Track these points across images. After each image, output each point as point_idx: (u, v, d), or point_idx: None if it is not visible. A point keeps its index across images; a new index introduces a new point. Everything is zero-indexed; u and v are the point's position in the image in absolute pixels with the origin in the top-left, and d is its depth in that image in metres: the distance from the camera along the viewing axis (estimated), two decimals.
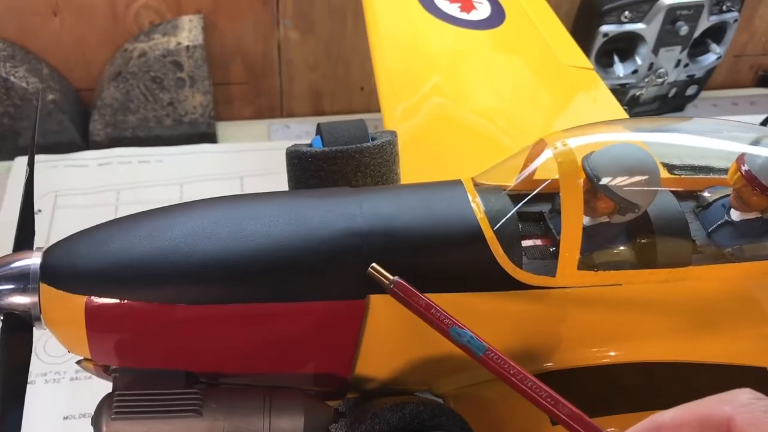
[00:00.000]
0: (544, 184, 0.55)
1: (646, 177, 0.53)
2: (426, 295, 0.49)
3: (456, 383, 0.56)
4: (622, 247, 0.55)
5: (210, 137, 1.22)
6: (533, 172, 0.56)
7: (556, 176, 0.53)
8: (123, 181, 1.07)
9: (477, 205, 0.54)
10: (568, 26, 1.25)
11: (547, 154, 0.54)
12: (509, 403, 0.54)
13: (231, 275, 0.50)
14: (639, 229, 0.55)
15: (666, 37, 1.22)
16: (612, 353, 0.56)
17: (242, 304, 0.50)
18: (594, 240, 0.54)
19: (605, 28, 1.19)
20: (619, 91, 1.26)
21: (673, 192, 0.57)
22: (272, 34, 1.22)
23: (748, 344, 0.60)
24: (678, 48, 1.24)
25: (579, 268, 0.52)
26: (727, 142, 0.61)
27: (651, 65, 1.25)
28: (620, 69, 1.25)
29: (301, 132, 1.28)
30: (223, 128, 1.25)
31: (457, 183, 0.57)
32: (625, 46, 1.25)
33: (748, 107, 1.40)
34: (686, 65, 1.27)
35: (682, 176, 0.59)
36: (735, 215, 0.57)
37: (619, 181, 0.53)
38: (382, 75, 0.80)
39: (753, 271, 0.55)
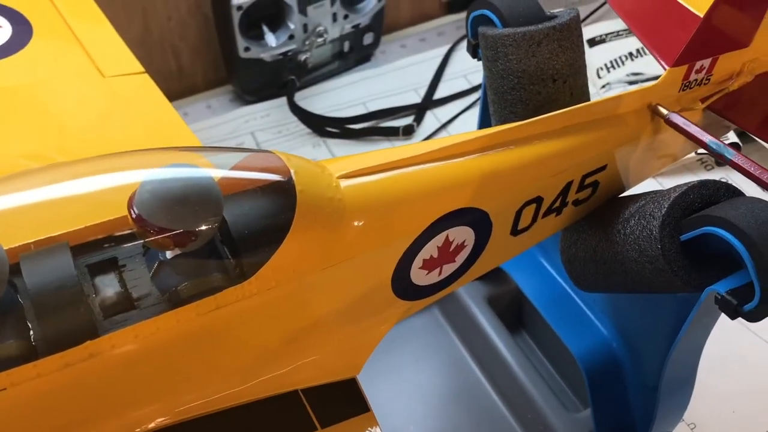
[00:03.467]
0: None
1: None
2: None
3: None
4: (2, 343, 0.44)
5: None
6: None
7: None
8: None
9: None
10: (207, 7, 1.15)
11: None
12: None
13: None
14: (15, 316, 0.44)
15: None
16: None
17: None
18: None
19: (236, 1, 1.08)
20: (284, 61, 1.17)
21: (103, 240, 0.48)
22: None
23: (266, 373, 0.52)
24: (327, 2, 1.15)
25: None
26: (117, 179, 0.51)
27: (305, 26, 1.16)
28: (272, 39, 1.15)
29: None
30: None
31: None
32: (272, 13, 1.15)
33: (436, 39, 1.33)
34: (346, 16, 1.19)
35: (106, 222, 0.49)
36: (168, 253, 0.48)
37: None
38: None
39: (196, 312, 0.46)
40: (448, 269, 0.58)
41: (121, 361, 0.45)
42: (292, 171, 0.48)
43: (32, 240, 0.46)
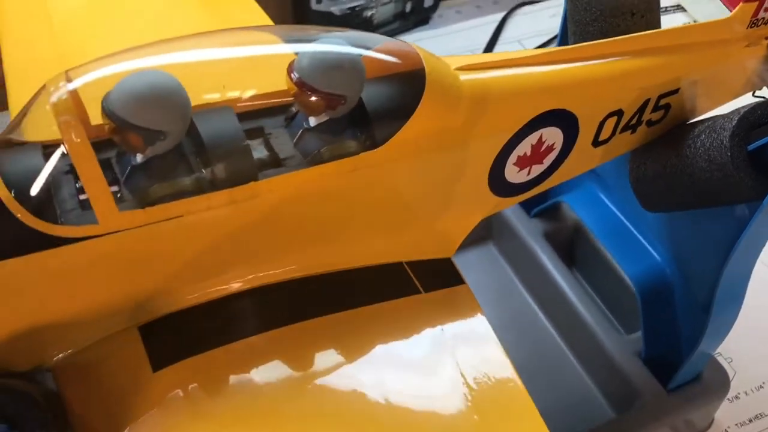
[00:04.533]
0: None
1: (168, 103, 0.49)
2: None
3: (62, 349, 0.52)
4: (178, 178, 0.51)
5: None
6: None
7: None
8: None
9: None
10: None
11: (43, 103, 0.50)
12: (110, 363, 0.51)
13: None
14: (194, 155, 0.52)
15: None
16: (232, 284, 0.54)
17: None
18: (146, 176, 0.51)
19: None
20: (352, 16, 1.24)
21: (254, 110, 0.55)
22: None
23: (380, 241, 0.59)
24: None
25: (128, 208, 0.49)
26: (277, 49, 0.58)
27: None
28: None
29: None
30: None
31: None
32: None
33: (491, 7, 1.40)
34: None
35: (258, 94, 0.56)
36: (312, 121, 0.55)
37: (135, 111, 0.49)
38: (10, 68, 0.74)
39: (336, 170, 0.53)
40: (536, 170, 0.65)
41: (277, 204, 0.52)
42: (422, 57, 0.55)
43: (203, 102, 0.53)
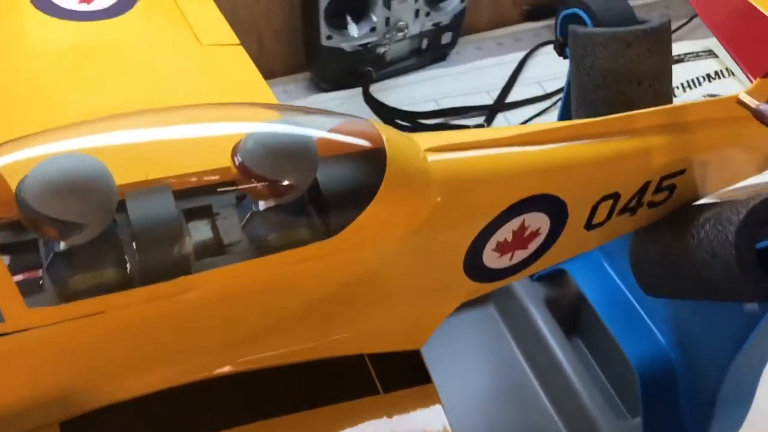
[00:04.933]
0: None
1: (86, 193, 0.45)
2: None
3: None
4: (100, 270, 0.47)
5: None
6: None
7: None
8: None
9: None
10: None
11: None
12: None
13: None
14: (120, 244, 0.47)
15: None
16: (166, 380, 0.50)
17: None
18: (67, 265, 0.46)
19: None
20: (363, 52, 1.20)
21: (203, 185, 0.50)
22: None
23: (336, 334, 0.54)
24: None
25: (42, 302, 0.45)
26: (228, 128, 0.53)
27: (387, 20, 1.18)
28: (354, 29, 1.17)
29: None
30: None
31: None
32: (357, 4, 1.17)
33: (513, 44, 1.34)
34: (428, 14, 1.21)
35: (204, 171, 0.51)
36: (261, 205, 0.50)
37: (47, 201, 0.44)
38: None
39: (283, 261, 0.48)
40: (520, 255, 0.59)
41: (212, 299, 0.47)
42: (384, 137, 0.50)
43: (137, 180, 0.49)
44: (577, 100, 0.70)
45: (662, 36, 0.66)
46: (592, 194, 0.59)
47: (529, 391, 0.89)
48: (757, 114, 0.60)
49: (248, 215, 0.50)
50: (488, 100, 1.24)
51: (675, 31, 1.33)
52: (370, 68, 1.20)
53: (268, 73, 1.34)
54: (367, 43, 1.19)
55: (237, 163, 0.48)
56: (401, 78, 1.27)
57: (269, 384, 0.52)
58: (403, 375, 0.55)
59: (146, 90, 0.73)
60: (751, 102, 0.60)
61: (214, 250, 0.49)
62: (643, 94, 0.67)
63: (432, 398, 0.54)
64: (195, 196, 0.51)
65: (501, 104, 1.22)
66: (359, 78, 1.21)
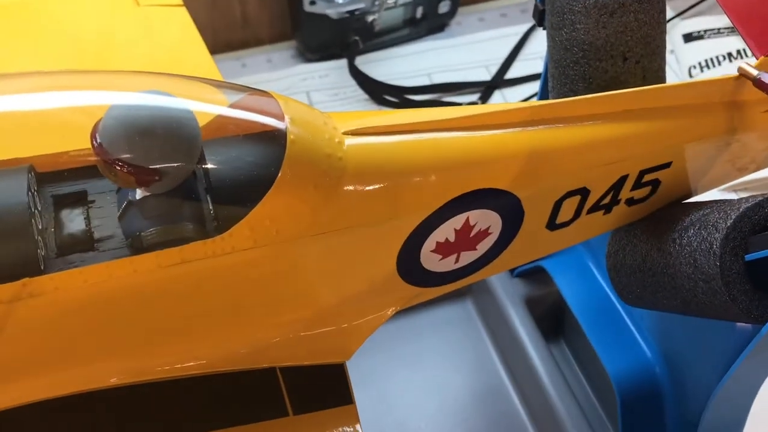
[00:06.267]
0: None
1: None
2: None
3: None
4: None
5: None
6: None
7: None
8: None
9: None
10: None
11: None
12: None
13: None
14: None
15: None
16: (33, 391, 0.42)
17: None
18: None
19: None
20: (350, 20, 1.10)
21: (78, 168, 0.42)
22: None
23: (234, 346, 0.46)
24: None
25: None
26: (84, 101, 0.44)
27: None
28: None
29: None
30: None
31: None
32: None
33: (518, 16, 1.24)
34: None
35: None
36: (137, 193, 0.42)
37: None
38: None
39: (158, 263, 0.40)
40: (468, 257, 0.51)
41: (65, 307, 0.40)
42: (287, 118, 0.42)
43: None
44: (554, 77, 0.61)
45: (653, 3, 0.57)
46: (553, 190, 0.50)
47: (502, 396, 0.81)
48: (758, 83, 0.51)
49: (125, 204, 0.42)
50: (486, 75, 1.14)
51: (695, 4, 1.22)
52: (357, 38, 1.11)
53: (254, 41, 1.27)
54: (355, 10, 1.09)
55: (95, 144, 0.40)
56: (392, 49, 1.17)
57: (160, 397, 0.45)
58: (319, 393, 0.47)
59: (69, 53, 0.66)
60: (753, 71, 0.51)
61: (82, 246, 0.42)
62: (629, 71, 0.57)
63: (349, 422, 0.46)
64: (68, 180, 0.43)
65: (499, 81, 1.12)
66: (346, 48, 1.13)
